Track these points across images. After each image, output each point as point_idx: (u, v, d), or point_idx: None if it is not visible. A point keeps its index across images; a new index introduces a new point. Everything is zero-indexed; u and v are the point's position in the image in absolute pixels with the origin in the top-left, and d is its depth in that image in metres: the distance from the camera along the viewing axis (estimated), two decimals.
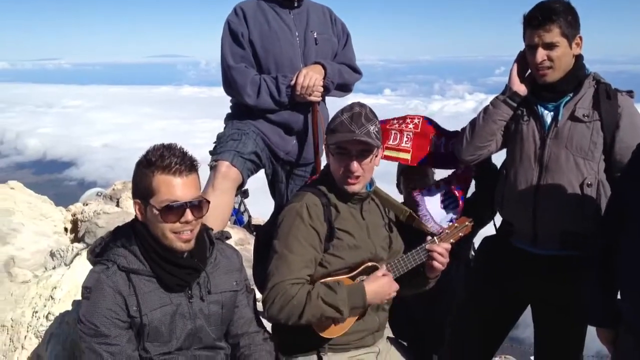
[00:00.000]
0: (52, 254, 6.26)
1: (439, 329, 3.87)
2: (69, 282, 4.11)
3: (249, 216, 4.14)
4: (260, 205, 4.74)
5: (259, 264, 3.12)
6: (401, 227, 3.20)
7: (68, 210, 8.13)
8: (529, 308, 3.52)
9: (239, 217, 4.12)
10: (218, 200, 3.43)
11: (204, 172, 2.77)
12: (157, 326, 2.49)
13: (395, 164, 4.09)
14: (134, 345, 2.48)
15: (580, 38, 3.13)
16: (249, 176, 3.74)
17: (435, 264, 2.90)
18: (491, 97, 3.47)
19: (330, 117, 3.00)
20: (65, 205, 8.49)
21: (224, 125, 3.87)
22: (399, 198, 3.99)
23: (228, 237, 2.91)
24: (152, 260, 2.50)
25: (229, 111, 3.95)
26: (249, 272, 3.00)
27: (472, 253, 4.00)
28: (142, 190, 2.47)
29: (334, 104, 3.51)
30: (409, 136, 3.69)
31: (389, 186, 3.49)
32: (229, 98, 3.90)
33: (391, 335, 3.26)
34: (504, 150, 3.44)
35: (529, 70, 3.27)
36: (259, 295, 2.93)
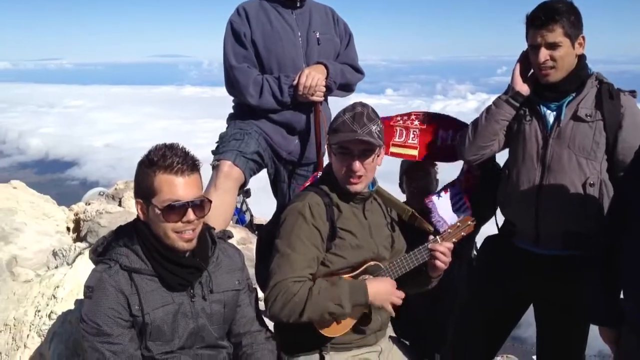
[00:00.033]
0: (54, 254, 6.26)
1: (441, 328, 3.88)
2: (72, 281, 4.12)
3: (251, 215, 4.15)
4: (262, 204, 4.74)
5: (261, 263, 3.12)
6: (403, 226, 3.20)
7: (70, 210, 8.15)
8: (531, 307, 3.52)
9: (241, 216, 4.12)
10: (220, 199, 3.44)
11: (206, 171, 2.77)
12: (159, 325, 2.49)
13: (398, 164, 4.09)
14: (136, 344, 2.48)
15: (583, 38, 3.13)
16: (251, 176, 3.75)
17: (438, 263, 2.89)
18: (493, 97, 3.47)
19: (333, 117, 3.00)
20: (68, 204, 8.51)
21: (227, 125, 3.88)
22: (402, 197, 3.99)
23: (230, 236, 2.92)
24: (154, 259, 2.50)
25: (231, 111, 3.95)
26: (251, 271, 3.01)
27: (475, 252, 4.00)
28: (144, 189, 2.47)
29: (336, 104, 3.51)
30: (415, 132, 3.70)
31: (391, 186, 3.49)
32: (231, 98, 3.91)
33: (393, 334, 3.26)
34: (507, 150, 3.44)
35: (532, 70, 3.27)
36: (261, 295, 2.93)
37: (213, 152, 3.72)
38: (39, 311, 4.05)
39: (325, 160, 3.42)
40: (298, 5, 3.82)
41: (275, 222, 3.05)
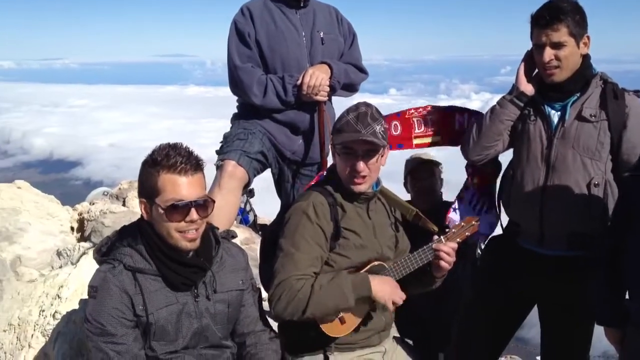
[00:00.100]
0: (58, 253, 6.27)
1: (445, 328, 3.88)
2: (76, 281, 4.12)
3: (255, 215, 4.16)
4: (266, 204, 4.74)
5: (265, 263, 3.12)
6: (407, 226, 3.20)
7: (74, 210, 8.15)
8: (535, 308, 3.52)
9: (244, 216, 4.13)
10: (224, 199, 3.44)
11: (210, 171, 2.78)
12: (163, 325, 2.49)
13: (402, 163, 4.10)
14: (140, 344, 2.49)
15: (588, 37, 3.12)
16: (255, 175, 3.75)
17: (442, 263, 2.88)
18: (497, 97, 3.46)
19: (337, 116, 3.00)
20: (72, 204, 8.51)
21: (231, 125, 3.88)
22: (406, 197, 3.99)
23: (234, 236, 2.92)
24: (158, 259, 2.50)
25: (235, 111, 3.96)
26: (255, 271, 3.01)
27: (479, 252, 3.99)
28: (147, 189, 2.47)
29: (340, 104, 3.51)
30: (432, 119, 3.69)
31: (395, 185, 3.49)
32: (235, 98, 3.91)
33: (397, 334, 3.25)
34: (511, 150, 3.44)
35: (536, 70, 3.26)
36: (265, 294, 2.93)
37: (217, 152, 3.72)
38: (43, 311, 4.05)
39: (329, 160, 3.42)
40: (302, 5, 3.82)
41: (279, 222, 3.05)
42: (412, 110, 3.75)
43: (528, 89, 3.26)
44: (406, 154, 4.26)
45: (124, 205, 8.60)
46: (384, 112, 3.50)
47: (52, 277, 4.29)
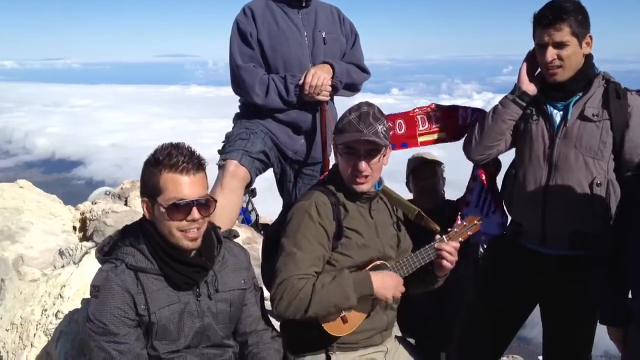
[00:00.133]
0: (60, 253, 6.28)
1: (448, 328, 3.88)
2: (78, 280, 4.12)
3: (257, 215, 4.15)
4: (268, 204, 4.74)
5: (267, 262, 3.12)
6: (410, 225, 3.20)
7: (77, 209, 8.17)
8: (537, 308, 3.51)
9: (246, 216, 4.13)
10: (226, 199, 3.45)
11: (212, 171, 2.78)
12: (165, 324, 2.49)
13: (404, 163, 4.10)
14: (142, 343, 2.49)
15: (591, 37, 3.12)
16: (257, 175, 3.75)
17: (444, 262, 2.89)
18: (499, 97, 3.46)
19: (338, 116, 3.00)
20: (74, 204, 8.53)
21: (233, 125, 3.88)
22: (408, 196, 3.99)
23: (236, 235, 2.92)
24: (160, 258, 2.50)
25: (237, 111, 3.96)
26: (257, 271, 3.01)
27: (481, 251, 3.99)
28: (149, 188, 2.48)
29: (342, 104, 3.51)
30: (435, 116, 3.69)
31: (398, 185, 3.49)
32: (237, 97, 3.91)
33: (399, 334, 3.25)
34: (513, 150, 3.44)
35: (538, 70, 3.26)
36: (267, 294, 2.93)
37: (219, 152, 3.72)
38: (46, 310, 4.05)
39: (332, 160, 3.42)
40: (304, 5, 3.82)
41: (281, 222, 3.05)
42: (417, 109, 3.75)
43: (530, 88, 3.26)
44: (408, 153, 4.27)
45: (126, 204, 8.61)
46: (387, 112, 3.51)
47: (54, 277, 4.29)
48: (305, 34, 3.79)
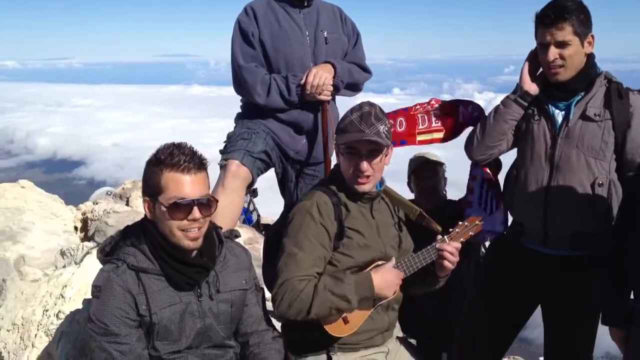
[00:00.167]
0: (62, 253, 6.29)
1: (449, 328, 3.87)
2: (79, 280, 4.12)
3: (258, 215, 4.14)
4: (269, 204, 4.74)
5: (269, 262, 3.12)
6: (411, 226, 3.20)
7: (78, 209, 8.18)
8: (538, 308, 3.51)
9: (248, 216, 4.12)
10: (228, 199, 3.44)
11: (213, 171, 2.77)
12: (166, 325, 2.49)
13: (406, 163, 4.09)
14: (143, 343, 2.48)
15: (592, 37, 3.11)
16: (258, 175, 3.75)
17: (446, 263, 2.88)
18: (500, 96, 3.46)
19: (340, 116, 3.00)
20: (75, 204, 8.54)
21: (234, 125, 3.88)
22: (410, 196, 3.99)
23: (237, 235, 2.92)
24: (161, 259, 2.50)
25: (239, 110, 3.96)
26: (258, 271, 3.00)
27: (483, 251, 3.99)
28: (151, 187, 2.48)
29: (344, 104, 3.51)
30: (436, 114, 3.69)
31: (399, 185, 3.48)
32: (239, 97, 3.91)
33: (401, 334, 3.25)
34: (515, 150, 3.43)
35: (540, 69, 3.26)
36: (268, 294, 2.93)
37: (221, 152, 3.72)
38: (47, 311, 4.06)
39: (333, 160, 3.42)
40: (306, 4, 3.82)
41: (282, 222, 3.05)
42: (418, 106, 3.75)
43: (532, 88, 3.26)
44: (410, 153, 4.26)
45: (127, 204, 8.62)
46: (389, 111, 3.51)
47: (55, 277, 4.30)
48: (307, 33, 3.78)
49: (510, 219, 3.55)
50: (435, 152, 4.22)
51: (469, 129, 3.59)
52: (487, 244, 3.81)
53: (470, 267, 3.85)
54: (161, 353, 2.51)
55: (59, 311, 3.96)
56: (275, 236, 3.03)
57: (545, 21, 3.05)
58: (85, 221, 7.77)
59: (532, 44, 3.23)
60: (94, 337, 2.43)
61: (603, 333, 3.12)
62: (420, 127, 3.71)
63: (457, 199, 4.07)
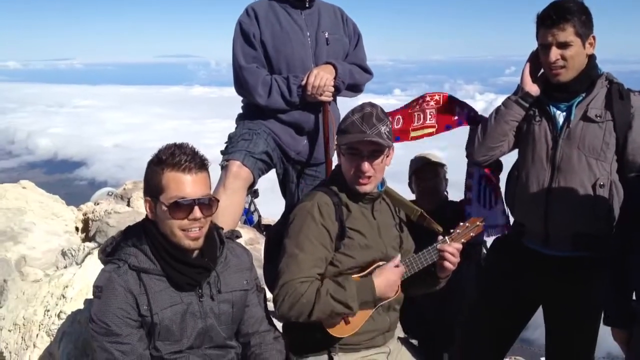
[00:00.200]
0: (63, 253, 6.29)
1: (450, 329, 3.88)
2: (81, 281, 4.13)
3: (259, 216, 4.16)
4: (270, 205, 4.74)
5: (270, 263, 3.12)
6: (412, 226, 3.20)
7: (79, 210, 8.18)
8: (539, 309, 3.51)
9: (249, 216, 4.13)
10: (229, 199, 3.45)
11: (214, 172, 2.78)
12: (167, 325, 2.49)
13: (407, 164, 4.09)
14: (145, 344, 2.49)
15: (594, 38, 3.12)
16: (259, 176, 3.75)
17: (446, 264, 2.88)
18: (501, 97, 3.46)
19: (341, 117, 3.00)
20: (76, 204, 8.54)
21: (235, 126, 3.88)
22: (411, 197, 3.99)
23: (238, 236, 2.92)
24: (162, 259, 2.50)
25: (240, 111, 3.96)
26: (259, 272, 3.00)
27: (484, 251, 3.99)
28: (152, 187, 2.48)
29: (345, 105, 3.51)
30: (431, 113, 3.70)
31: (400, 185, 3.48)
32: (240, 98, 3.91)
33: (402, 335, 3.25)
34: (516, 151, 3.43)
35: (541, 70, 3.26)
36: (269, 295, 2.93)
37: (222, 152, 3.72)
38: (48, 311, 4.06)
39: (334, 161, 3.42)
40: (307, 5, 3.82)
41: (283, 222, 3.05)
42: (415, 104, 3.76)
43: (533, 89, 3.26)
44: (411, 154, 4.27)
45: (128, 205, 8.63)
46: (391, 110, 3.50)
47: (57, 277, 4.30)
48: (308, 34, 3.78)
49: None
50: (436, 153, 4.23)
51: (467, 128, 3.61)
52: (488, 245, 3.81)
53: (471, 267, 3.85)
54: (162, 353, 2.52)
55: (60, 311, 3.97)
56: (277, 237, 3.03)
57: (546, 22, 3.05)
58: (86, 222, 7.78)
59: (533, 45, 3.22)
60: (96, 337, 2.44)
61: (604, 334, 3.11)
62: (415, 124, 3.72)
63: (458, 200, 4.07)
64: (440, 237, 2.94)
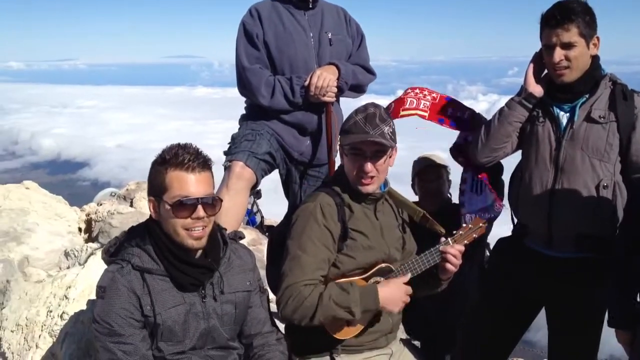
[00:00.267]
0: (66, 254, 6.29)
1: (451, 330, 3.87)
2: (84, 281, 4.13)
3: (262, 217, 4.15)
4: (273, 205, 4.75)
5: (272, 265, 3.12)
6: (414, 227, 3.19)
7: (82, 210, 8.18)
8: (542, 310, 3.50)
9: (251, 217, 4.13)
10: (232, 200, 3.45)
11: (217, 172, 2.78)
12: (170, 325, 2.49)
13: (410, 165, 4.08)
14: (147, 344, 2.49)
15: (598, 38, 3.11)
16: (262, 176, 3.75)
17: (448, 265, 2.88)
18: (504, 98, 3.45)
19: (344, 117, 3.00)
20: (80, 205, 8.54)
21: (239, 126, 3.88)
22: (414, 198, 3.99)
23: (241, 237, 2.92)
24: (166, 259, 2.50)
25: (243, 112, 3.96)
26: (262, 272, 3.00)
27: (487, 253, 3.98)
28: (155, 186, 2.48)
29: (348, 105, 3.50)
30: (426, 104, 3.69)
31: (403, 187, 3.48)
32: (243, 99, 3.91)
33: (404, 336, 3.24)
34: (519, 152, 3.43)
35: (545, 71, 3.25)
36: (272, 296, 2.93)
37: (225, 153, 3.73)
38: (51, 311, 4.06)
39: (337, 161, 3.42)
40: (310, 6, 3.82)
41: (286, 223, 3.05)
42: (409, 91, 3.78)
43: (537, 90, 3.25)
44: (414, 155, 4.27)
45: (131, 206, 8.63)
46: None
47: (59, 278, 4.30)
48: (312, 35, 3.79)
49: (506, 205, 3.55)
50: (439, 154, 4.22)
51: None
52: (491, 247, 3.80)
53: (473, 269, 3.84)
54: (165, 354, 2.51)
55: (63, 312, 3.97)
56: (279, 238, 3.03)
57: (550, 22, 3.05)
58: (89, 222, 7.77)
59: (537, 46, 3.22)
60: (98, 338, 2.44)
61: (607, 335, 3.11)
62: (407, 106, 3.71)
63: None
64: (443, 239, 2.94)
